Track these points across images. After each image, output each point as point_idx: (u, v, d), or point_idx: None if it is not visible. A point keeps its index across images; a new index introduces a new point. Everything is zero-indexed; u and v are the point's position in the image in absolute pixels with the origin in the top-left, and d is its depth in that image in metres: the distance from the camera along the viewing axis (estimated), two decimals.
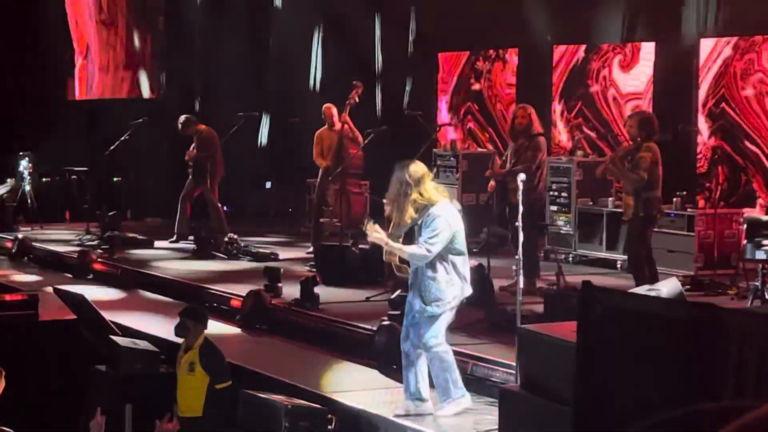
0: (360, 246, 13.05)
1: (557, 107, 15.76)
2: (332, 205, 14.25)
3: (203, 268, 14.13)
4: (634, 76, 14.76)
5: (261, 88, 18.58)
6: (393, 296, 10.75)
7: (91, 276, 14.25)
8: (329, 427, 8.31)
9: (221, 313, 11.99)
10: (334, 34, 17.92)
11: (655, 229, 11.36)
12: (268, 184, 18.39)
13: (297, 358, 10.21)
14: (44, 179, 19.38)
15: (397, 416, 8.23)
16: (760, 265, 10.94)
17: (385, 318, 9.93)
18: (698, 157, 13.96)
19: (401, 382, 8.49)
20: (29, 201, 18.20)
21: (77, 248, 15.28)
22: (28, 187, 18.25)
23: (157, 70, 21.13)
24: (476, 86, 17.08)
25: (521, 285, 8.69)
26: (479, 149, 16.40)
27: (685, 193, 12.94)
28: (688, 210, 12.74)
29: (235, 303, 11.95)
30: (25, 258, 15.85)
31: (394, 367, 9.33)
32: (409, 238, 8.17)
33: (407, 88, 17.10)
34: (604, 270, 13.37)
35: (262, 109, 16.33)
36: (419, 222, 8.07)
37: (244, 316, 11.53)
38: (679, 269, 12.18)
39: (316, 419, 8.30)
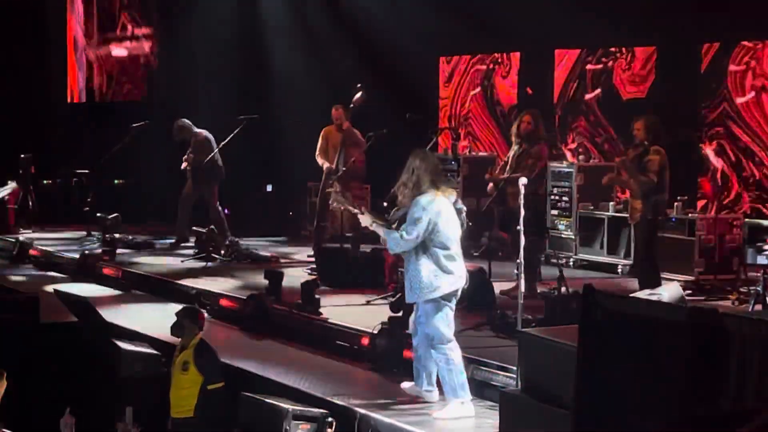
0: (361, 249, 13.05)
1: (559, 111, 15.77)
2: (333, 209, 14.23)
3: (204, 270, 14.13)
4: (635, 80, 14.78)
5: (261, 90, 18.57)
6: (394, 299, 10.75)
7: (91, 278, 14.25)
8: (329, 430, 8.32)
9: (221, 315, 11.99)
10: (335, 35, 17.91)
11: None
12: (269, 187, 18.38)
13: (297, 361, 10.20)
14: (45, 182, 19.39)
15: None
16: (762, 270, 10.93)
17: (386, 321, 9.93)
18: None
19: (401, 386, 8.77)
20: (30, 203, 18.19)
21: (78, 250, 15.29)
22: (29, 190, 18.25)
23: (159, 73, 21.14)
24: (478, 90, 17.07)
25: (522, 289, 8.70)
26: (480, 153, 16.39)
27: (686, 197, 12.94)
28: (689, 214, 12.73)
29: (236, 306, 11.95)
30: (26, 260, 15.86)
31: (395, 370, 9.35)
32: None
33: (409, 91, 17.07)
34: (605, 274, 13.37)
35: (262, 112, 16.34)
36: (407, 210, 8.34)
37: (245, 320, 11.53)
38: (679, 274, 12.18)
39: (316, 423, 8.31)
